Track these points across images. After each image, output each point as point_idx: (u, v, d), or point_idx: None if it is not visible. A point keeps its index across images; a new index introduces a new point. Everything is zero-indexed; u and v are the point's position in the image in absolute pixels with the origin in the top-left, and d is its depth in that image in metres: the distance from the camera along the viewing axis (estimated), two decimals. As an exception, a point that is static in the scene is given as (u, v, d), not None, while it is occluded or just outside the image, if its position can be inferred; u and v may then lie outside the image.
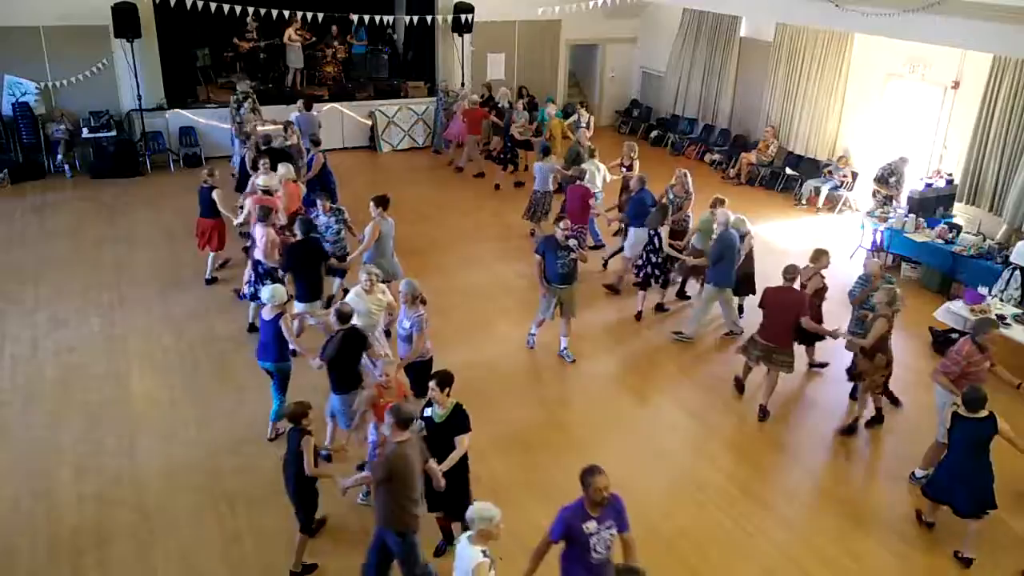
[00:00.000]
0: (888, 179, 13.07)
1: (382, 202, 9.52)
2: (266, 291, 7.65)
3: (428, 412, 6.13)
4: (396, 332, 7.83)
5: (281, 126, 13.31)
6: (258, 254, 9.31)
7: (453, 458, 6.05)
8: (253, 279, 9.38)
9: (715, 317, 10.44)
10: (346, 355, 7.07)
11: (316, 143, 12.13)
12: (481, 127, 15.74)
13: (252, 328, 9.56)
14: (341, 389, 7.15)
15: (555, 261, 9.02)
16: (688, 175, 11.28)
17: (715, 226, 9.95)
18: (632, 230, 10.98)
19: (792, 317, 8.32)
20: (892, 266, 11.97)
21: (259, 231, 9.28)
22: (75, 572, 6.34)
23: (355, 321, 7.28)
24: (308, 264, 8.84)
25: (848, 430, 8.34)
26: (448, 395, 6.08)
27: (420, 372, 7.41)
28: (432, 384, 6.05)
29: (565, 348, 9.50)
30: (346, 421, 7.18)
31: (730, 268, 9.70)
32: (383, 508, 5.64)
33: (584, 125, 14.95)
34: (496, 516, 4.87)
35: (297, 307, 8.67)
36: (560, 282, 9.14)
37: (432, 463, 5.87)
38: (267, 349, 7.62)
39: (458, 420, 6.10)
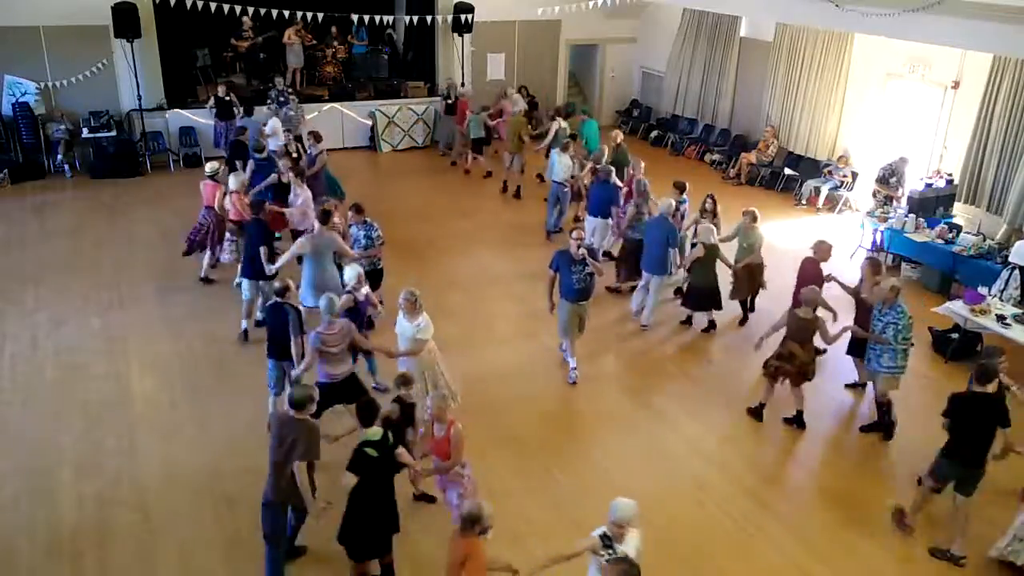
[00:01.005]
0: (888, 179, 13.07)
1: (325, 218, 9.24)
2: (348, 271, 8.21)
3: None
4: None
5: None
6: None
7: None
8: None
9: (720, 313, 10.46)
10: (272, 325, 7.68)
11: (258, 150, 12.11)
12: (465, 120, 15.88)
13: None
14: (270, 354, 7.81)
15: (570, 276, 8.58)
16: (644, 184, 10.92)
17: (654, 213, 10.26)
18: (588, 219, 11.24)
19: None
20: (892, 266, 11.97)
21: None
22: (75, 572, 6.34)
23: (400, 345, 7.60)
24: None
25: (793, 420, 8.37)
26: (372, 425, 5.80)
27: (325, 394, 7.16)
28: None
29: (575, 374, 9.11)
30: (274, 386, 7.85)
31: (652, 256, 9.97)
32: None
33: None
34: (617, 514, 4.99)
35: (243, 282, 9.60)
36: (577, 298, 8.68)
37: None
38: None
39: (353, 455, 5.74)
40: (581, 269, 8.53)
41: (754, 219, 10.14)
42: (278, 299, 7.64)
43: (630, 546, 5.02)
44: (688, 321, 10.44)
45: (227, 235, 10.85)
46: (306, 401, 5.90)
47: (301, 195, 10.79)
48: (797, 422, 8.35)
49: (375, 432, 5.78)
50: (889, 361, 7.92)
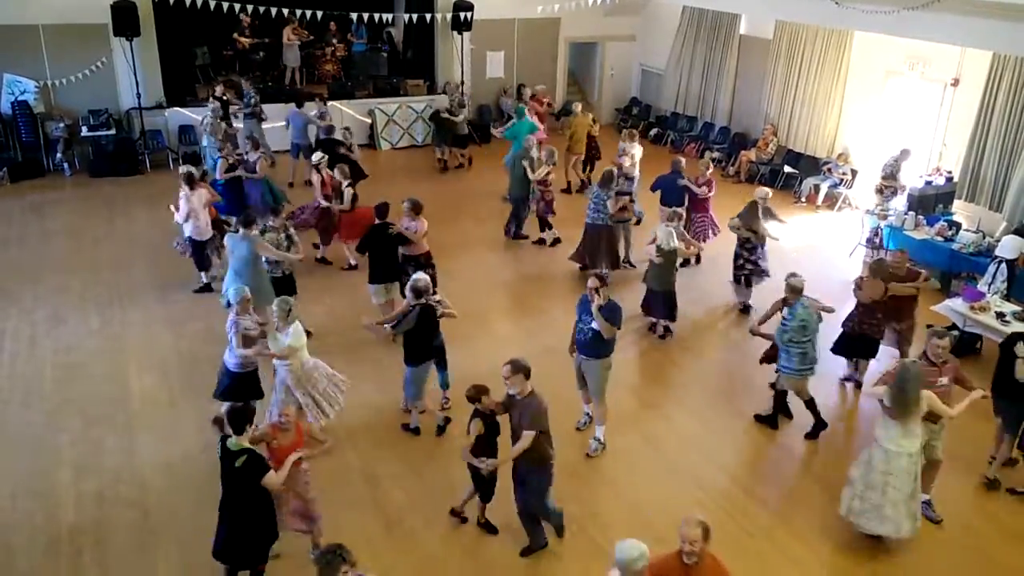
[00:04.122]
0: (896, 174, 12.98)
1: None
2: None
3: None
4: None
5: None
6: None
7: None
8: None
9: (712, 315, 10.42)
10: (421, 329, 7.64)
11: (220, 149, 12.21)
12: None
13: None
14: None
15: (577, 324, 7.60)
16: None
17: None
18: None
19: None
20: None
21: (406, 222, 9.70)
22: (74, 571, 6.34)
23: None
24: (382, 247, 9.46)
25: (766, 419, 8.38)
26: (242, 433, 5.65)
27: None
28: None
29: (585, 420, 8.21)
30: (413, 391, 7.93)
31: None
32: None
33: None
34: (630, 556, 4.44)
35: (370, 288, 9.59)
36: (576, 348, 7.67)
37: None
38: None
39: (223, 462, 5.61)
40: (588, 321, 7.44)
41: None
42: (419, 300, 7.57)
43: None
44: (653, 329, 10.17)
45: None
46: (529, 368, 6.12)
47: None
48: (770, 421, 8.35)
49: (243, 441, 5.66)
50: (784, 361, 7.90)
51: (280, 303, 7.44)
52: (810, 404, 8.10)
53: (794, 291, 7.82)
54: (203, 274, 10.79)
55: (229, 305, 7.84)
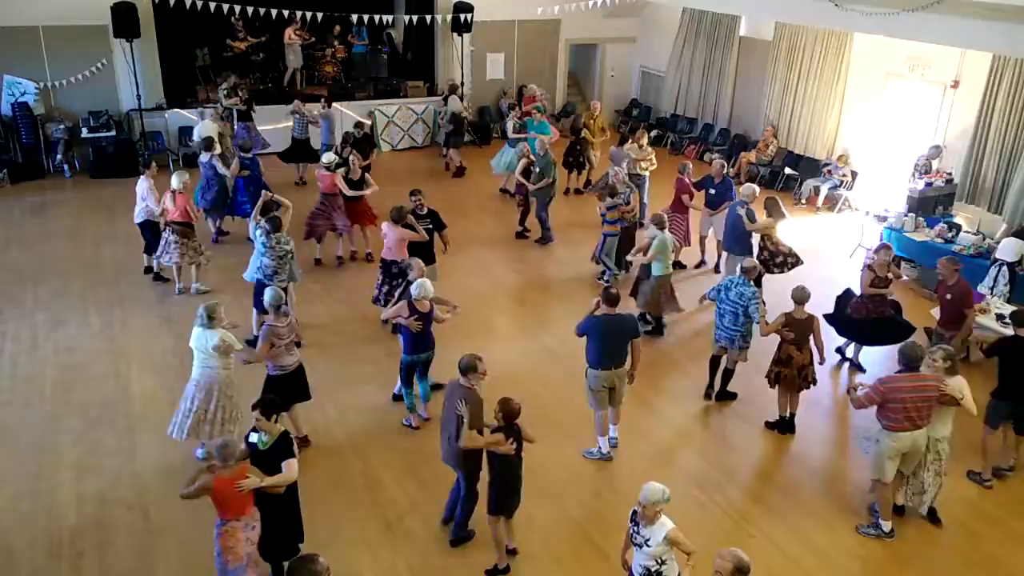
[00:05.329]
0: (930, 172, 12.96)
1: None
2: (415, 287, 7.87)
3: (253, 439, 5.90)
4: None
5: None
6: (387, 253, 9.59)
7: (279, 479, 5.69)
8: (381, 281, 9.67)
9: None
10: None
11: (244, 148, 12.37)
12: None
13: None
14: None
15: None
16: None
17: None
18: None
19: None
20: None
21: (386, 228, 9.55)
22: (75, 572, 6.35)
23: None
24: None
25: (776, 424, 8.38)
26: (276, 422, 5.88)
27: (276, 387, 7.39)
28: (256, 413, 5.84)
29: (614, 436, 8.09)
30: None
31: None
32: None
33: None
34: (644, 496, 5.08)
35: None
36: None
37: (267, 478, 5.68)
38: (426, 341, 8.00)
39: (284, 446, 5.84)
40: None
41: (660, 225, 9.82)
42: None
43: (659, 532, 5.10)
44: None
45: (171, 236, 10.46)
46: (472, 367, 6.30)
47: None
48: (781, 427, 8.30)
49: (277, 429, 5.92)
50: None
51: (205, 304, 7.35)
52: (719, 371, 8.69)
53: (741, 270, 8.35)
54: (146, 256, 11.19)
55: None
